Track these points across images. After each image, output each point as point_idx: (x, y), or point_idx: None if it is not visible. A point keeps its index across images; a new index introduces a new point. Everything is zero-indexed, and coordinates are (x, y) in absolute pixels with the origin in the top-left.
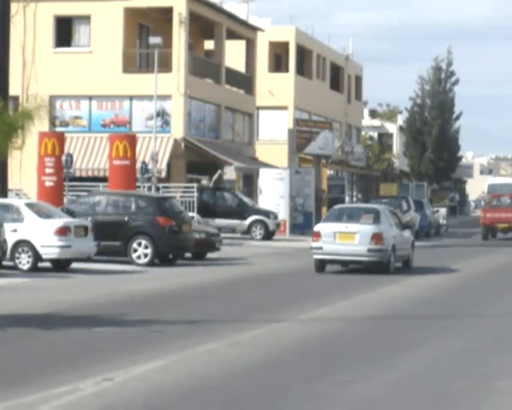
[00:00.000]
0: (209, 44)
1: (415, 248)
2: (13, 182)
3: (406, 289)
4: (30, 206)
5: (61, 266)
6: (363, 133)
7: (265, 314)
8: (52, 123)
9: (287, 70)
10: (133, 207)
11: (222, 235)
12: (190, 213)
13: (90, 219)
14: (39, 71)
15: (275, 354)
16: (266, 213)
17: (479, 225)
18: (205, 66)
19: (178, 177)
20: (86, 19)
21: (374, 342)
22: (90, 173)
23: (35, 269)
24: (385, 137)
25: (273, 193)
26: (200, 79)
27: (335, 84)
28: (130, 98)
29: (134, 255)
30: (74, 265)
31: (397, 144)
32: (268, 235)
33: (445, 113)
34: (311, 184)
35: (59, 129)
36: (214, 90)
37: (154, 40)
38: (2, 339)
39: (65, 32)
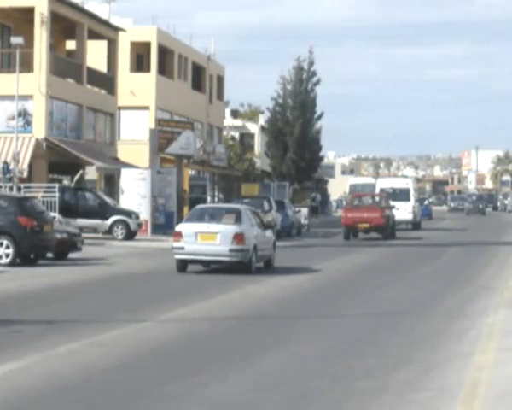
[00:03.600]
0: (71, 44)
1: (276, 248)
2: None
3: (267, 290)
4: None
5: None
6: (224, 133)
7: (126, 314)
8: None
9: (148, 70)
10: None
11: (84, 235)
12: (52, 213)
13: None
14: None
15: (134, 355)
16: (128, 213)
17: (340, 224)
18: (66, 66)
19: (40, 177)
20: None
21: (233, 342)
22: None
23: None
24: (246, 137)
25: (135, 193)
26: (61, 79)
27: (197, 84)
28: None
29: None
30: None
31: (258, 144)
32: (130, 235)
33: (307, 113)
34: (173, 184)
35: None
36: (76, 91)
37: (16, 40)
38: None
39: None
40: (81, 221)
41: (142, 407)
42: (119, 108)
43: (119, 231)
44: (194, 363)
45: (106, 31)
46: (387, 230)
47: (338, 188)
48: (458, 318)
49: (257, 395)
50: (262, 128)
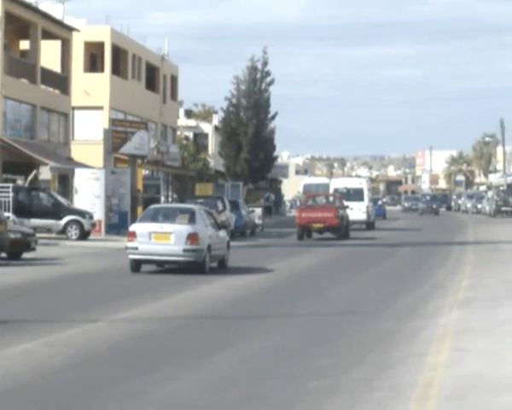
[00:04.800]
0: (25, 44)
1: (230, 249)
2: None
3: (221, 289)
4: None
5: None
6: (178, 133)
7: (80, 314)
8: None
9: (102, 70)
10: None
11: (37, 235)
12: (6, 213)
13: None
14: None
15: (87, 354)
16: (82, 213)
17: (294, 225)
18: (20, 66)
19: None
20: None
21: (186, 342)
22: None
23: None
24: (200, 137)
25: (89, 193)
26: (15, 79)
27: (151, 84)
28: None
29: None
30: None
31: (212, 144)
32: (83, 235)
33: (261, 113)
34: (127, 184)
35: None
36: (30, 91)
37: None
38: None
39: None
40: (35, 221)
41: (96, 406)
42: (73, 108)
43: (73, 231)
44: (147, 362)
45: (60, 31)
46: (341, 230)
47: (292, 188)
48: (411, 318)
49: (211, 394)
50: (216, 128)
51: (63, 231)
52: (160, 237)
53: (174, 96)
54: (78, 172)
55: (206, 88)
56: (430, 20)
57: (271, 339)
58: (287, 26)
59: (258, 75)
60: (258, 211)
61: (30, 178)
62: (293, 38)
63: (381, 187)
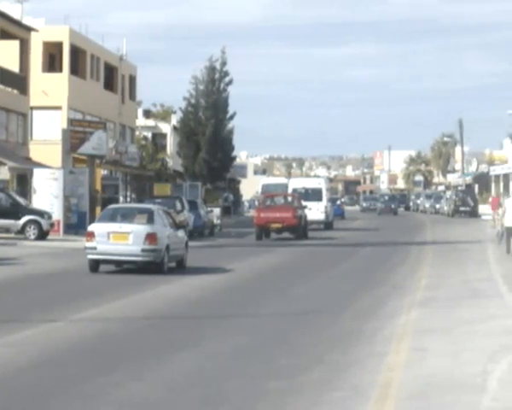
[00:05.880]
0: None
1: (189, 248)
2: None
3: (180, 290)
4: None
5: None
6: (137, 133)
7: (39, 314)
8: None
9: (61, 70)
10: None
11: None
12: None
13: None
14: None
15: (47, 354)
16: (40, 213)
17: (253, 225)
18: None
19: None
20: None
21: (147, 342)
22: None
23: None
24: (159, 137)
25: (47, 193)
26: None
27: (109, 84)
28: None
29: None
30: None
31: (171, 144)
32: (42, 235)
33: (219, 113)
34: (85, 184)
35: None
36: None
37: None
38: None
39: None
40: None
41: (56, 406)
42: (32, 108)
43: (32, 231)
44: (108, 362)
45: (18, 31)
46: (300, 230)
47: (250, 188)
48: (370, 318)
49: (171, 394)
50: (174, 128)
51: (21, 231)
52: (118, 237)
53: (133, 96)
54: (36, 172)
55: (165, 88)
56: (391, 21)
57: (232, 339)
58: (247, 26)
59: (217, 75)
60: (217, 211)
61: None
62: (253, 37)
63: (340, 187)
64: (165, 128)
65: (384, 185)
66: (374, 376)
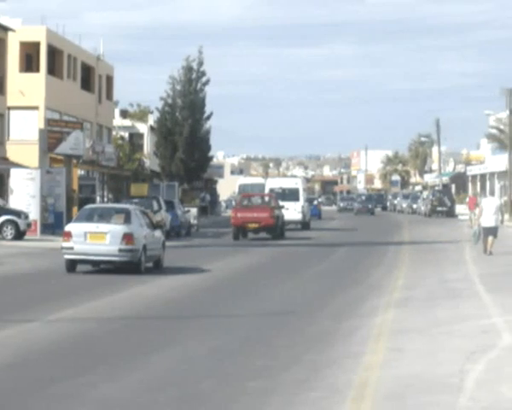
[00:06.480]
0: None
1: (166, 249)
2: None
3: (157, 290)
4: None
5: None
6: (114, 133)
7: (15, 314)
8: None
9: (38, 70)
10: None
11: None
12: None
13: None
14: None
15: (23, 355)
16: (17, 213)
17: (230, 225)
18: None
19: None
20: None
21: (123, 342)
22: None
23: None
24: (136, 137)
25: (24, 193)
26: None
27: (86, 84)
28: None
29: None
30: None
31: (148, 144)
32: (19, 235)
33: (196, 113)
34: (62, 184)
35: None
36: None
37: None
38: None
39: None
40: None
41: (31, 407)
42: (9, 108)
43: (8, 231)
44: (83, 363)
45: None
46: (277, 230)
47: (227, 188)
48: (347, 318)
49: (147, 394)
50: (151, 128)
51: None
52: (95, 237)
53: (109, 96)
54: (13, 172)
55: (142, 88)
56: (369, 21)
57: (208, 339)
58: (224, 27)
59: (194, 75)
60: (194, 211)
61: None
62: (230, 37)
63: (317, 187)
64: (142, 128)
65: (361, 185)
66: (350, 376)
